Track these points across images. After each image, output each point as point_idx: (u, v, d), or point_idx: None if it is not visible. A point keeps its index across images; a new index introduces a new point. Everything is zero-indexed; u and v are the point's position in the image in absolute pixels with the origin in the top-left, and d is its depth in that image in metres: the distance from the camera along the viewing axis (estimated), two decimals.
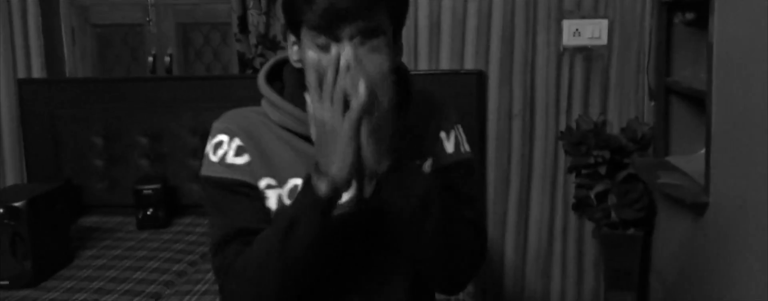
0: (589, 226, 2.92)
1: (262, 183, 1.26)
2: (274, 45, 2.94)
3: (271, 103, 1.26)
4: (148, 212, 2.84)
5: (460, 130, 1.37)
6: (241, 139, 1.26)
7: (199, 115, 2.98)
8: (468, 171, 1.35)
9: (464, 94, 2.88)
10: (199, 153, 3.00)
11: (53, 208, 2.42)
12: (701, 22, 2.43)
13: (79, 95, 3.06)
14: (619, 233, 2.75)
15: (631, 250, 2.76)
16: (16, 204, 2.24)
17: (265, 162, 1.26)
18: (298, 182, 1.23)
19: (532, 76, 2.90)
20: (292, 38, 1.22)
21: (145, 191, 2.85)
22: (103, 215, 3.00)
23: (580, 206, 2.86)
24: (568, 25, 2.86)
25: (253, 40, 2.92)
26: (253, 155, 1.26)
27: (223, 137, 1.27)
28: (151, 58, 3.16)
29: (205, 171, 1.28)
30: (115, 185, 3.04)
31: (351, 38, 1.14)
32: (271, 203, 1.26)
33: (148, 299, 2.19)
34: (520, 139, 2.94)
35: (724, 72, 2.02)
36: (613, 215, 2.73)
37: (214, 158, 1.26)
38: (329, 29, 1.13)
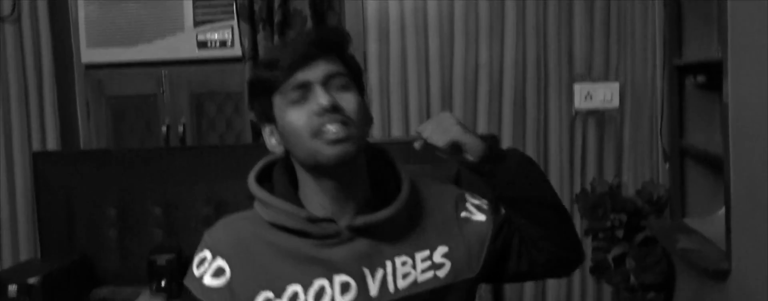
0: (607, 289, 2.88)
1: (259, 299, 1.19)
2: None
3: (263, 202, 1.24)
4: (162, 283, 2.81)
5: (469, 196, 1.35)
6: (223, 258, 1.21)
7: (212, 185, 2.98)
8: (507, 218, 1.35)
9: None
10: (213, 222, 2.98)
11: (67, 283, 2.42)
12: (713, 85, 2.45)
13: (94, 167, 3.07)
14: (639, 297, 2.71)
15: None
16: (31, 281, 2.23)
17: (257, 275, 1.20)
18: (296, 288, 1.19)
19: (545, 139, 2.91)
20: (267, 129, 1.25)
21: (159, 262, 2.82)
22: (116, 285, 2.97)
23: (598, 270, 2.82)
24: (580, 89, 2.88)
25: None
26: (235, 274, 1.20)
27: (207, 254, 1.23)
28: (164, 128, 3.18)
29: (186, 281, 1.25)
30: (128, 256, 3.02)
31: (321, 82, 1.17)
32: None
33: None
34: None
35: (740, 134, 2.02)
36: (632, 278, 2.69)
37: (195, 273, 1.23)
38: (298, 83, 1.16)
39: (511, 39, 2.88)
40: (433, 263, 1.25)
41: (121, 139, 3.29)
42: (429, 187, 1.32)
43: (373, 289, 1.21)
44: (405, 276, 1.23)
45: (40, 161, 3.08)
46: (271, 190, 1.25)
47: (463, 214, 1.31)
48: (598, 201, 2.72)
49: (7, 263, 3.10)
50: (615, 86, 2.87)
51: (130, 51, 3.14)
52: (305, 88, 1.17)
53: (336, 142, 1.15)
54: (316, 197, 1.22)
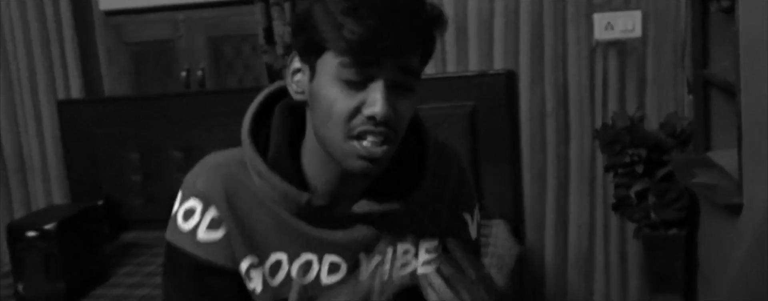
0: (631, 226, 2.81)
1: (244, 264, 1.09)
2: None
3: (254, 169, 1.08)
4: None
5: (478, 212, 1.26)
6: (218, 208, 1.07)
7: (232, 128, 2.98)
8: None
9: (495, 95, 2.82)
10: None
11: (87, 227, 2.47)
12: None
13: (117, 113, 3.13)
14: (661, 233, 2.64)
15: (673, 251, 2.64)
16: (47, 227, 2.28)
17: (245, 236, 1.08)
18: (280, 256, 1.09)
19: (564, 73, 2.81)
20: (296, 65, 1.05)
21: None
22: (142, 230, 3.05)
23: (621, 206, 2.75)
24: (600, 19, 2.76)
25: (279, 50, 2.92)
26: (229, 228, 1.08)
27: (196, 204, 1.08)
28: (183, 73, 3.20)
29: (171, 237, 1.09)
30: (152, 201, 3.09)
31: (386, 79, 0.98)
32: (256, 284, 1.10)
33: None
34: (554, 139, 2.85)
35: (750, 62, 1.91)
36: (652, 215, 2.62)
37: (184, 227, 1.08)
38: (365, 64, 0.97)
39: None
40: (437, 255, 1.13)
41: (141, 85, 3.31)
42: (454, 169, 1.20)
43: (364, 274, 1.11)
44: (404, 266, 1.13)
45: (65, 108, 3.15)
46: (265, 148, 1.09)
47: (465, 216, 1.23)
48: (616, 136, 2.63)
49: (41, 206, 3.20)
50: (637, 15, 2.73)
51: None
52: (369, 77, 0.98)
53: (365, 159, 1.01)
54: (321, 171, 1.08)
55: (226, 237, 1.08)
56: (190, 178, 1.12)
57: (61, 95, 3.16)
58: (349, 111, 0.99)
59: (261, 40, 2.94)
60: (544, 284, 2.96)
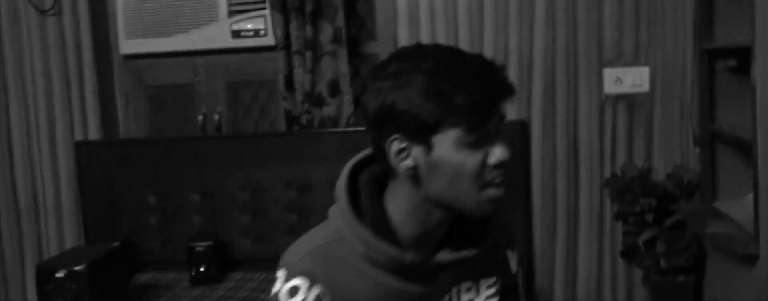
0: (638, 273, 2.91)
1: None
2: (319, 101, 3.01)
3: (359, 238, 1.15)
4: (201, 269, 2.90)
5: (516, 246, 1.37)
6: (323, 285, 1.13)
7: (248, 172, 3.07)
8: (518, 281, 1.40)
9: (508, 145, 2.91)
10: (249, 208, 3.08)
11: (112, 268, 2.51)
12: (744, 69, 2.44)
13: (134, 155, 3.18)
14: (670, 280, 2.73)
15: (681, 297, 2.73)
16: (77, 268, 2.32)
17: None
18: None
19: (575, 124, 2.93)
20: (398, 145, 1.11)
21: (198, 248, 2.92)
22: (158, 271, 3.07)
23: (629, 253, 2.85)
24: (610, 74, 2.89)
25: (299, 97, 3.01)
26: None
27: (301, 282, 1.13)
28: (201, 117, 3.27)
29: None
30: (169, 242, 3.13)
31: (500, 133, 1.12)
32: None
33: None
34: (565, 188, 2.95)
35: (767, 117, 2.03)
36: (662, 262, 2.71)
37: None
38: (483, 124, 1.08)
39: (541, 24, 2.89)
40: (496, 289, 1.27)
41: (159, 128, 3.37)
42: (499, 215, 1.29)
43: None
44: None
45: (82, 150, 3.19)
46: (359, 211, 1.17)
47: (508, 254, 1.35)
48: (627, 185, 2.74)
49: (54, 249, 3.22)
50: (645, 71, 2.87)
51: (166, 41, 3.21)
52: (484, 134, 1.10)
53: (496, 201, 1.14)
54: (411, 223, 1.17)
55: None
56: (291, 258, 1.18)
57: (78, 136, 3.21)
58: (478, 167, 1.10)
59: (281, 86, 3.03)
60: None
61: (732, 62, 2.56)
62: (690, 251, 2.68)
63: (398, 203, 1.17)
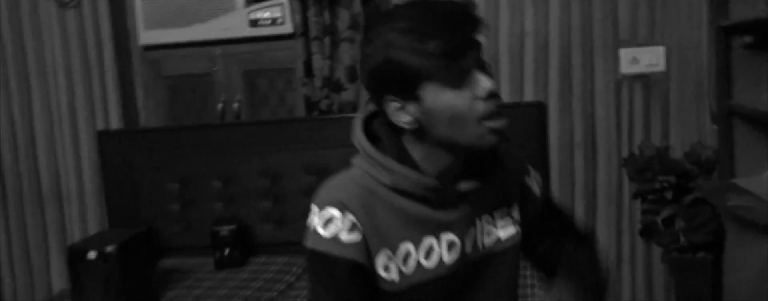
0: (657, 251, 2.93)
1: (380, 260, 1.23)
2: (338, 87, 3.05)
3: (385, 167, 1.22)
4: (225, 253, 2.95)
5: (532, 171, 1.44)
6: (354, 213, 1.20)
7: (267, 158, 3.11)
8: (550, 195, 1.48)
9: (526, 126, 2.95)
10: (270, 193, 3.11)
11: (139, 252, 2.54)
12: (760, 45, 2.47)
13: (155, 144, 3.22)
14: (689, 257, 2.76)
15: (701, 274, 2.75)
16: (108, 249, 2.36)
17: (378, 235, 1.22)
18: (408, 246, 1.24)
19: (591, 105, 2.95)
20: (395, 105, 1.20)
21: (222, 233, 2.96)
22: (181, 256, 3.12)
23: (647, 232, 2.87)
24: (625, 54, 2.91)
25: (318, 83, 3.04)
26: (366, 231, 1.21)
27: (335, 212, 1.20)
28: (220, 105, 3.30)
29: (314, 245, 1.21)
30: (190, 228, 3.17)
31: (477, 66, 1.17)
32: (393, 275, 1.24)
33: None
34: (583, 168, 2.98)
35: None
36: (681, 239, 2.74)
37: (325, 233, 1.20)
38: (461, 63, 1.15)
39: (556, 6, 2.92)
40: (512, 219, 1.35)
41: (178, 117, 3.42)
42: (505, 147, 1.34)
43: (468, 246, 1.28)
44: (489, 234, 1.32)
45: (104, 139, 3.24)
46: (383, 151, 1.24)
47: (527, 180, 1.41)
48: (646, 164, 2.76)
49: (78, 236, 3.26)
50: (660, 50, 2.89)
51: (184, 31, 3.25)
52: (463, 72, 1.16)
53: (498, 132, 1.18)
54: (430, 163, 1.23)
55: (364, 238, 1.21)
56: (322, 192, 1.25)
57: (100, 126, 3.25)
58: (469, 103, 1.16)
59: (300, 73, 3.07)
60: None
61: (749, 38, 2.58)
62: (709, 227, 2.70)
63: (413, 150, 1.24)
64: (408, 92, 1.18)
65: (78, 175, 3.28)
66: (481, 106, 1.16)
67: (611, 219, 2.99)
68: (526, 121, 2.95)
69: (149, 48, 3.35)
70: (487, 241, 1.32)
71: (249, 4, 3.18)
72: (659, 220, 2.79)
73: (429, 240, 1.25)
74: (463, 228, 1.28)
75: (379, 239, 1.22)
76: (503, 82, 2.98)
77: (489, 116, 1.17)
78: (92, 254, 2.35)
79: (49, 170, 3.30)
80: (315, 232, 1.21)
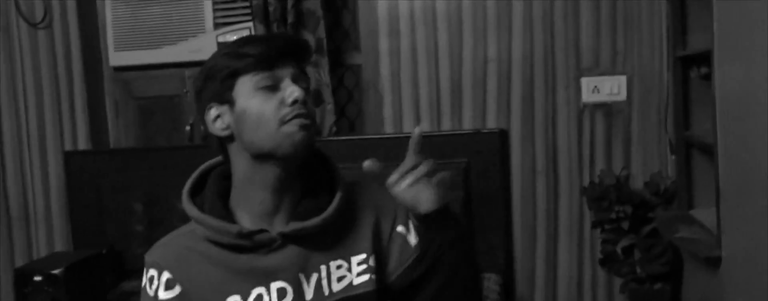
0: (618, 281, 2.91)
1: None
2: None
3: (197, 220, 1.28)
4: None
5: (412, 217, 1.31)
6: (170, 271, 1.27)
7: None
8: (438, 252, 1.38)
9: (488, 153, 2.94)
10: None
11: (92, 274, 2.55)
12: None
13: (122, 165, 3.23)
14: (647, 287, 2.73)
15: None
16: (55, 272, 2.37)
17: (200, 291, 1.25)
18: (236, 299, 1.25)
19: (553, 132, 2.95)
20: (214, 111, 1.25)
21: None
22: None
23: (608, 261, 2.85)
24: (587, 83, 2.91)
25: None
26: (184, 286, 1.26)
27: (153, 272, 1.28)
28: (188, 127, 3.32)
29: None
30: None
31: (291, 76, 1.23)
32: None
33: None
34: (544, 195, 2.97)
35: (727, 125, 2.05)
36: (638, 270, 2.72)
37: (150, 292, 1.28)
38: (273, 67, 1.22)
39: (519, 33, 2.93)
40: (368, 266, 1.28)
41: (148, 138, 3.43)
42: (373, 192, 1.34)
43: (309, 293, 1.26)
44: (340, 279, 1.28)
45: (71, 159, 3.26)
46: (202, 204, 1.30)
47: (400, 229, 1.33)
48: (603, 193, 2.75)
49: (43, 254, 3.27)
50: (622, 79, 2.89)
51: (155, 53, 3.27)
52: (276, 79, 1.22)
53: (304, 128, 1.21)
54: (248, 204, 1.26)
55: (182, 294, 1.26)
56: (147, 255, 1.33)
57: (68, 146, 3.27)
58: (275, 107, 1.21)
59: None
60: None
61: (704, 69, 2.58)
62: (666, 257, 2.68)
63: (238, 177, 1.28)
64: (224, 94, 1.23)
65: (45, 195, 3.30)
66: (285, 110, 1.21)
67: (573, 247, 2.98)
68: (489, 149, 2.95)
69: (120, 69, 3.38)
70: (337, 287, 1.27)
71: (217, 28, 3.20)
72: (619, 249, 2.78)
73: (257, 291, 1.25)
74: (295, 273, 1.25)
75: (201, 292, 1.25)
76: (465, 109, 2.98)
77: (290, 119, 1.21)
78: (38, 277, 2.36)
79: (17, 190, 3.32)
80: (143, 292, 1.30)
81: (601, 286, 2.97)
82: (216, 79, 1.24)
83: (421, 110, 3.02)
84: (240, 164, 1.28)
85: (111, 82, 3.40)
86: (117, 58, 3.32)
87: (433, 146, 2.91)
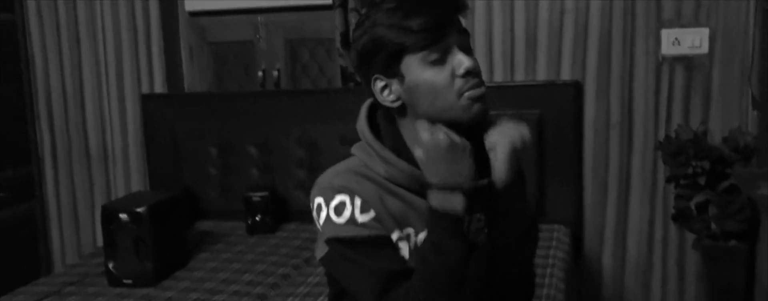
0: (690, 237, 2.88)
1: (393, 236, 1.26)
2: None
3: (382, 159, 1.27)
4: (257, 218, 3.02)
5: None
6: (360, 196, 1.24)
7: (304, 128, 3.15)
8: None
9: (561, 105, 2.91)
10: (304, 163, 3.16)
11: (172, 214, 2.62)
12: None
13: (197, 109, 3.30)
14: (721, 245, 2.70)
15: (733, 263, 2.70)
16: (139, 210, 2.45)
17: (387, 216, 1.26)
18: (410, 231, 1.27)
19: (630, 86, 2.90)
20: (382, 83, 1.25)
21: (254, 199, 3.03)
22: (217, 219, 3.21)
23: (680, 217, 2.82)
24: (667, 35, 2.84)
25: (354, 54, 3.05)
26: (377, 210, 1.25)
27: (343, 197, 1.24)
28: (260, 73, 3.36)
29: (333, 233, 1.25)
30: (228, 193, 3.25)
31: (458, 45, 1.22)
32: (404, 252, 1.27)
33: (254, 300, 2.35)
34: (618, 150, 2.94)
35: None
36: (713, 226, 2.68)
37: (340, 220, 1.24)
38: (440, 40, 1.20)
39: None
40: None
41: (221, 83, 3.49)
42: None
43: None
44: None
45: (148, 102, 3.34)
46: (382, 142, 1.29)
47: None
48: (680, 148, 2.71)
49: (121, 195, 3.39)
50: (705, 32, 2.81)
51: None
52: (444, 50, 1.21)
53: (480, 99, 1.22)
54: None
55: (377, 216, 1.25)
56: (324, 183, 1.29)
57: (145, 89, 3.35)
58: (448, 79, 1.21)
59: (338, 44, 3.09)
60: (600, 291, 3.04)
61: None
62: (743, 215, 2.64)
63: (407, 133, 1.28)
64: (391, 69, 1.23)
65: (123, 137, 3.40)
66: (461, 82, 1.21)
67: (644, 203, 2.95)
68: (562, 101, 2.92)
69: (195, 14, 3.42)
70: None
71: None
72: (692, 205, 2.74)
73: (419, 228, 1.27)
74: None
75: (389, 220, 1.26)
76: (540, 59, 2.95)
77: (467, 89, 1.21)
78: (123, 215, 2.44)
79: (97, 131, 3.43)
80: (328, 221, 1.25)
81: (673, 242, 2.95)
82: (382, 52, 1.22)
83: (495, 63, 2.99)
84: (408, 127, 1.28)
85: (186, 28, 3.45)
86: (192, 3, 3.37)
87: (506, 96, 2.92)
